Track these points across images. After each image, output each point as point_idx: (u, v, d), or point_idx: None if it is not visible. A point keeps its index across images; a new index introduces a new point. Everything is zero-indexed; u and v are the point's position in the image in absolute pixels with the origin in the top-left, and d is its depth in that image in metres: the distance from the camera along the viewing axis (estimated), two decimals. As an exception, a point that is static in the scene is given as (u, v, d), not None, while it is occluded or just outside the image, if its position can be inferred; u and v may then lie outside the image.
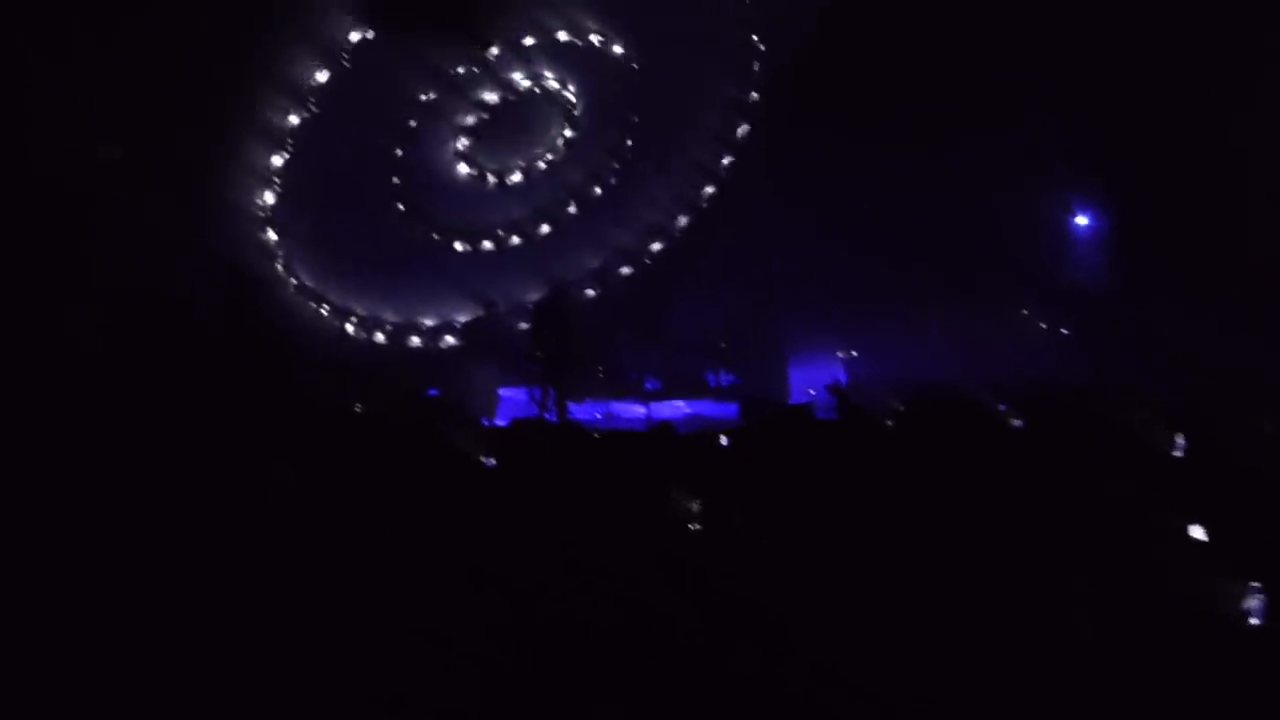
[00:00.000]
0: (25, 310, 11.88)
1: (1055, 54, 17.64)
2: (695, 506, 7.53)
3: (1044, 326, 20.76)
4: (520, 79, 18.06)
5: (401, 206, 18.22)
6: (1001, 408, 13.10)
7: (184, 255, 15.36)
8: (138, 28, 13.51)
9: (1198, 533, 7.19)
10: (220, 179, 16.16)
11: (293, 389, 12.35)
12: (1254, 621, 5.94)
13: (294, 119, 16.29)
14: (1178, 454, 9.45)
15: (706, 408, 19.21)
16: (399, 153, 17.74)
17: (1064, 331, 20.46)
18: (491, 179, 18.77)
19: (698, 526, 7.44)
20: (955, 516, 7.12)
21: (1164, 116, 17.39)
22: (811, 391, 19.87)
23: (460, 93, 17.63)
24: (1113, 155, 18.54)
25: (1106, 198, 20.03)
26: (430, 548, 6.64)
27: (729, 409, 18.37)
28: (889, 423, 12.96)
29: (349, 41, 15.80)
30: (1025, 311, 20.92)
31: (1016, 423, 11.72)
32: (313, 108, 16.13)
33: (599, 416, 17.56)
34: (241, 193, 16.50)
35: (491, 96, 18.03)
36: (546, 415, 16.52)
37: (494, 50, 16.51)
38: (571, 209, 19.77)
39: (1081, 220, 20.93)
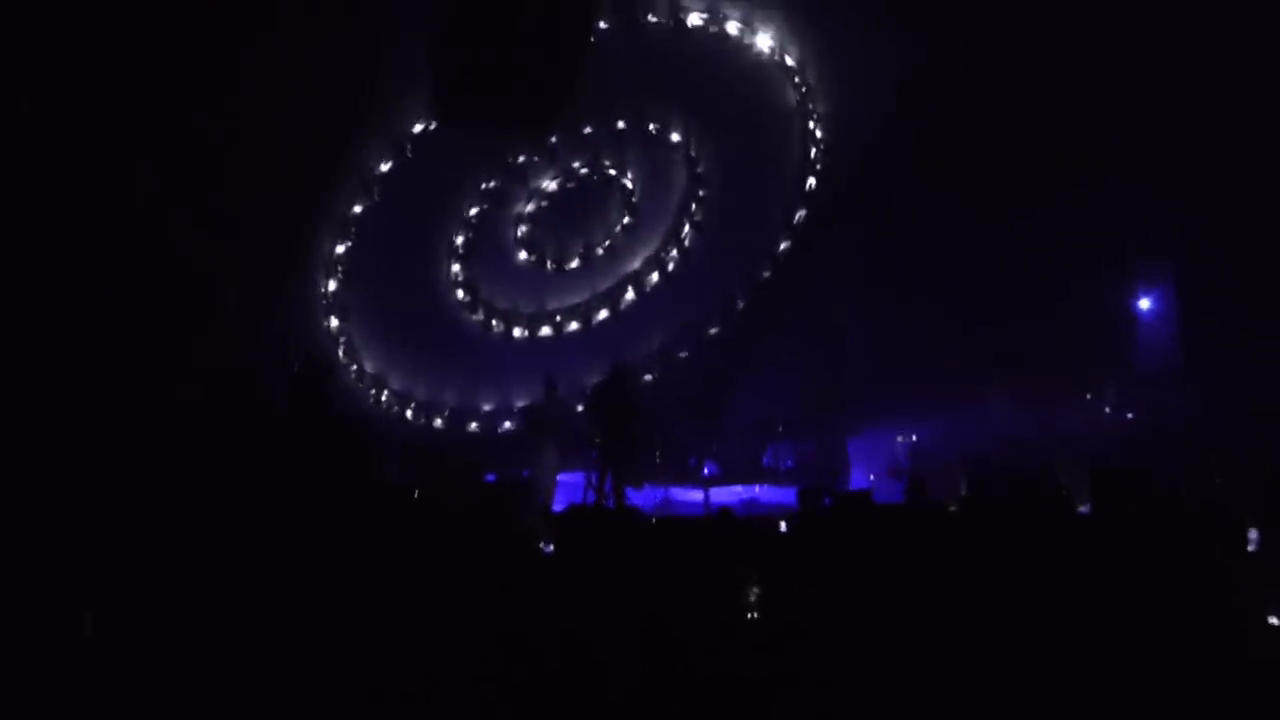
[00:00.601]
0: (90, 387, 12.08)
1: (1119, 135, 17.60)
2: (754, 595, 7.44)
3: (1108, 410, 20.49)
4: (579, 167, 18.30)
5: (461, 293, 18.43)
6: (1066, 493, 12.87)
7: (251, 340, 15.60)
8: (207, 117, 13.89)
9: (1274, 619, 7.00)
10: (286, 266, 16.45)
11: (357, 473, 12.43)
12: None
13: (358, 207, 16.58)
14: (1251, 547, 9.19)
15: (764, 493, 19.06)
16: (459, 240, 17.99)
17: (1129, 415, 20.17)
18: (551, 265, 18.94)
19: (755, 615, 7.34)
20: (1018, 607, 6.98)
21: (1230, 199, 17.23)
22: (871, 477, 19.67)
23: (520, 181, 17.89)
24: (1178, 238, 18.39)
25: (1172, 282, 19.85)
26: (486, 632, 6.61)
27: (787, 494, 18.20)
28: (952, 508, 12.78)
29: (412, 131, 16.12)
30: (1089, 395, 20.67)
31: (1083, 509, 11.50)
32: (376, 196, 16.42)
33: (657, 502, 17.46)
34: (306, 279, 16.79)
35: (551, 184, 18.27)
36: (605, 501, 16.45)
37: (553, 139, 16.76)
38: (629, 294, 19.89)
39: (1144, 304, 20.73)
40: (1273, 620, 7.04)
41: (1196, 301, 19.20)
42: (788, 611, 7.21)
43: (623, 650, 6.26)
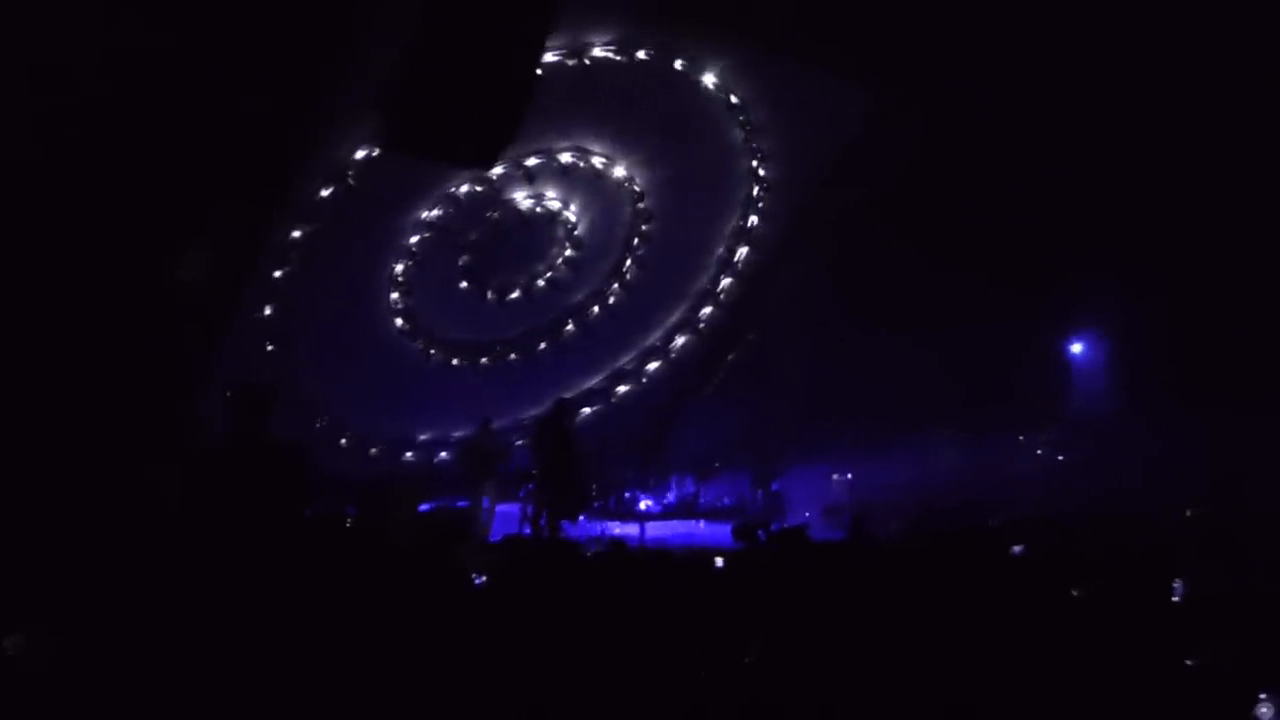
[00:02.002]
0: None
1: (1064, 183, 17.93)
2: (689, 631, 7.39)
3: (1039, 452, 20.77)
4: (522, 198, 18.27)
5: (400, 322, 18.29)
6: (1000, 534, 13.00)
7: (188, 371, 15.36)
8: (142, 139, 13.65)
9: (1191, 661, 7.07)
10: (222, 290, 16.22)
11: (290, 504, 12.25)
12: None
13: (297, 233, 16.40)
14: (1175, 597, 9.26)
15: (700, 529, 19.12)
16: (399, 268, 17.86)
17: (1060, 457, 20.47)
18: (491, 296, 18.87)
19: (694, 652, 7.28)
20: (955, 643, 6.99)
21: (1169, 245, 17.60)
22: (807, 514, 19.82)
23: (462, 210, 17.81)
24: (1114, 283, 18.75)
25: (1106, 325, 20.23)
26: (416, 665, 6.51)
27: (722, 530, 18.27)
28: (887, 545, 12.86)
29: (354, 159, 16.00)
30: (1021, 437, 20.95)
31: (1016, 549, 11.61)
32: (316, 222, 16.25)
33: (592, 536, 17.42)
34: (242, 305, 16.56)
35: (494, 215, 18.22)
36: (540, 533, 16.39)
37: (497, 169, 16.71)
38: (570, 327, 19.88)
39: (1076, 348, 21.11)
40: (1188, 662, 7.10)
41: (1131, 345, 19.58)
42: (733, 642, 7.16)
43: (564, 685, 6.18)
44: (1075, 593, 8.87)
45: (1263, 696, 5.85)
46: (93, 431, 11.95)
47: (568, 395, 19.49)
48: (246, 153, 14.34)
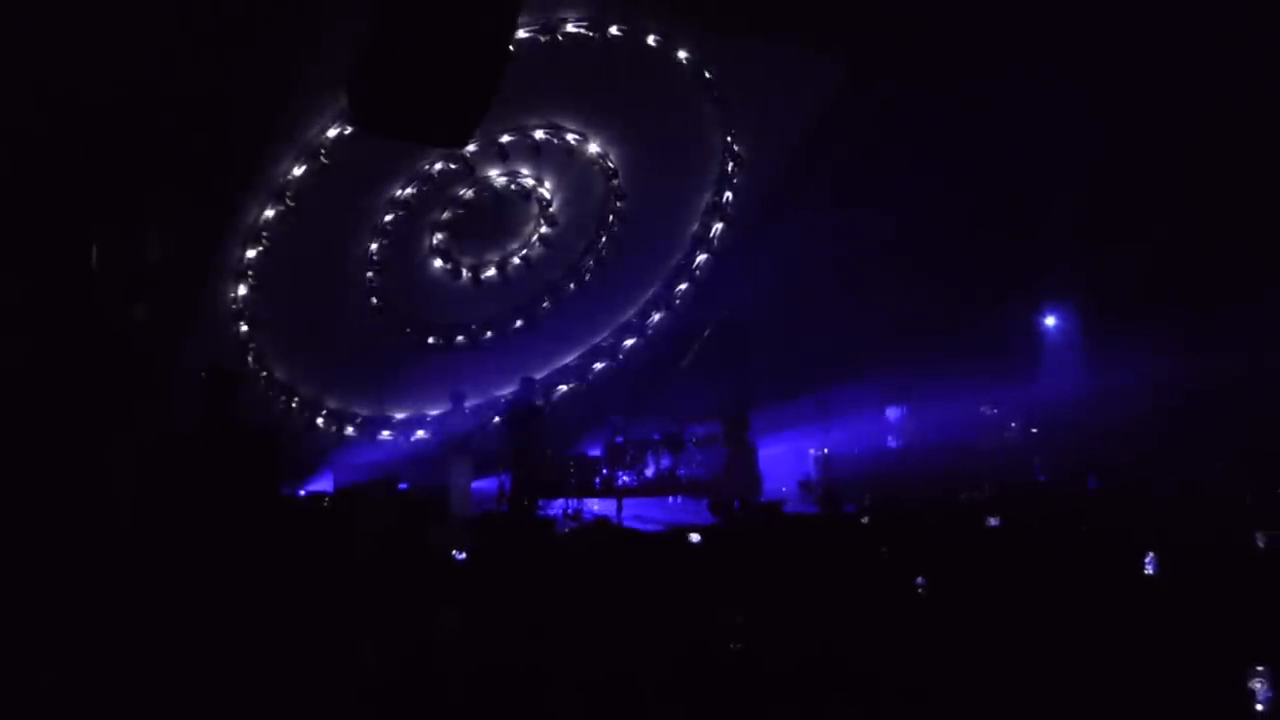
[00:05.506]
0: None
1: (1035, 158, 17.97)
2: (668, 605, 7.43)
3: (1014, 425, 20.89)
4: (496, 175, 18.19)
5: (375, 300, 18.20)
6: (976, 506, 13.11)
7: (159, 353, 15.28)
8: (112, 119, 13.49)
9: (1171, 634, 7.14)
10: (193, 272, 16.12)
11: (265, 484, 12.22)
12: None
13: (270, 212, 16.29)
14: (1148, 569, 9.33)
15: (677, 504, 19.16)
16: (373, 247, 17.77)
17: (1033, 430, 20.60)
18: (466, 274, 18.80)
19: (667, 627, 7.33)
20: (934, 614, 7.07)
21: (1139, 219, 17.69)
22: (784, 489, 19.91)
23: (435, 188, 17.72)
24: (1085, 258, 18.84)
25: (1077, 299, 20.32)
26: (394, 642, 6.53)
27: (699, 506, 18.35)
28: (864, 520, 12.94)
29: (326, 137, 15.89)
30: (995, 410, 21.07)
31: (992, 521, 11.71)
32: (288, 201, 16.14)
33: (568, 513, 17.45)
34: (214, 286, 16.47)
35: (467, 193, 18.13)
36: (516, 511, 16.41)
37: (470, 146, 16.62)
38: (545, 305, 19.84)
39: (1050, 320, 21.23)
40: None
41: (1101, 319, 19.68)
42: (713, 616, 7.21)
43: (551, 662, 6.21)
44: (1051, 563, 8.98)
45: (1258, 669, 5.89)
46: (52, 416, 11.89)
47: (542, 372, 19.51)
48: (212, 132, 14.24)
